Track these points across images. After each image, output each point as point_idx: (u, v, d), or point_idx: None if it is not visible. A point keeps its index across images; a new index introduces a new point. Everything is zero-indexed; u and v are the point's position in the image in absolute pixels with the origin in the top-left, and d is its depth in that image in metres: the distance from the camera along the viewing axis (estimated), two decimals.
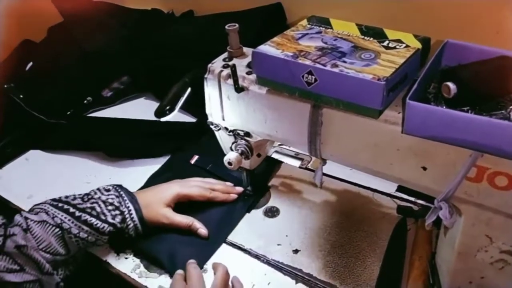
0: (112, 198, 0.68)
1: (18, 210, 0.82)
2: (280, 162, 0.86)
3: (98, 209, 0.66)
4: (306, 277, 0.64)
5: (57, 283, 0.62)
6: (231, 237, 0.72)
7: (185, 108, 0.92)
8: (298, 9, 1.00)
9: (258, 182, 0.81)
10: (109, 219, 0.66)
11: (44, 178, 0.89)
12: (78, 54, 1.12)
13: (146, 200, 0.70)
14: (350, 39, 0.55)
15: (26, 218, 0.62)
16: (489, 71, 0.48)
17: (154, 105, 1.06)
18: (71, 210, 0.65)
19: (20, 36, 1.17)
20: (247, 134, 0.66)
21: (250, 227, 0.74)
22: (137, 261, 0.69)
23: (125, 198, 0.69)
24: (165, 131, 0.96)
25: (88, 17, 1.17)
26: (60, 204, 0.65)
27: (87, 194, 0.69)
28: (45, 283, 0.60)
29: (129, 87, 1.13)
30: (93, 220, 0.64)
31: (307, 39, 0.56)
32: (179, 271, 0.64)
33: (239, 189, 0.79)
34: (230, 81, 0.60)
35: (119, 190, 0.70)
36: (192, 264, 0.64)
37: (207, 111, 0.69)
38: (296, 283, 0.64)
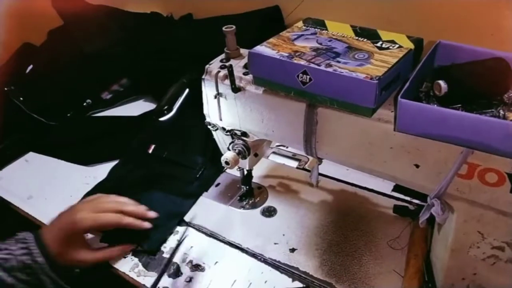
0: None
1: (17, 211, 0.83)
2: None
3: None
4: (303, 275, 0.65)
5: None
6: (228, 236, 0.72)
7: None
8: (295, 11, 1.01)
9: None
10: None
11: (43, 179, 0.90)
12: (78, 56, 1.13)
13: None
14: (345, 40, 0.56)
15: None
16: (481, 72, 0.49)
17: (153, 107, 1.08)
18: None
19: (21, 39, 1.19)
20: (244, 134, 0.67)
21: (248, 227, 0.74)
22: (136, 260, 0.70)
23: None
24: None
25: (88, 20, 1.18)
26: None
27: None
28: None
29: (128, 89, 1.14)
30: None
31: (302, 40, 0.57)
32: None
33: (153, 214, 0.72)
34: (227, 81, 0.61)
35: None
36: None
37: (205, 111, 0.70)
38: (293, 281, 0.65)
